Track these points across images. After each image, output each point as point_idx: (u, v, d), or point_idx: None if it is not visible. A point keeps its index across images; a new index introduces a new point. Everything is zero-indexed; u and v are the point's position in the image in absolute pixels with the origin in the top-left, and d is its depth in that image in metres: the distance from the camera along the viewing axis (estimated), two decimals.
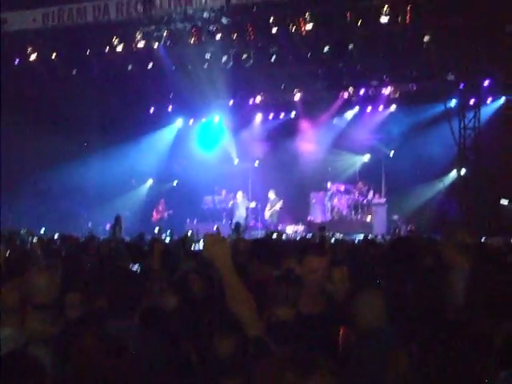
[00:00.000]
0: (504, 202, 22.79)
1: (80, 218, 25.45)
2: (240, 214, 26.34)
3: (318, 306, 5.51)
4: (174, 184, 29.65)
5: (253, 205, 26.86)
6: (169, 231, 21.62)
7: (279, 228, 25.79)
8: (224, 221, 26.97)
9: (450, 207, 23.68)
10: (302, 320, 5.23)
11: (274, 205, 26.56)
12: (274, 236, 17.29)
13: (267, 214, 26.63)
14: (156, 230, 22.68)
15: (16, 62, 24.90)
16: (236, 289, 4.42)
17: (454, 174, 24.31)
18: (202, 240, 4.10)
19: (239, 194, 26.87)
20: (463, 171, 22.83)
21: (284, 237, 20.27)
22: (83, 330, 4.76)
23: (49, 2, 23.21)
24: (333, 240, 16.95)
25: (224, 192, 28.27)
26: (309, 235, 21.49)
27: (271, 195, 26.70)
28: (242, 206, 26.63)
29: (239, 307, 4.43)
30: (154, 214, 27.77)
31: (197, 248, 3.94)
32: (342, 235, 21.59)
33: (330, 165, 27.60)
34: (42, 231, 17.18)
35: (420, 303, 5.70)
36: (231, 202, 27.37)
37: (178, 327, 5.44)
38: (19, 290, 5.14)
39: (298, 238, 19.16)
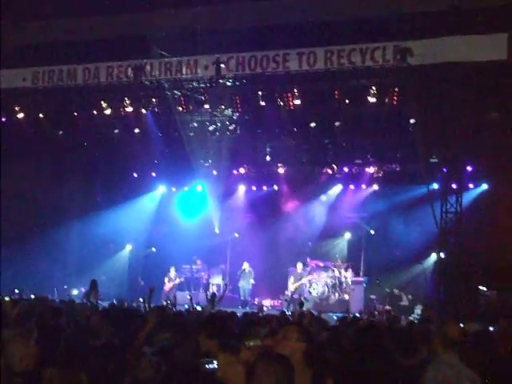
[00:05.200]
0: (483, 288, 22.74)
1: (56, 281, 25.02)
2: (245, 285, 26.07)
3: None
4: (153, 250, 29.27)
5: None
6: (141, 299, 20.51)
7: (255, 302, 25.52)
8: (201, 290, 26.68)
9: (429, 290, 23.60)
10: None
11: (300, 277, 25.90)
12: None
13: (292, 286, 25.68)
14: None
15: (3, 119, 24.89)
16: None
17: (433, 257, 24.30)
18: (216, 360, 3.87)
19: (245, 265, 26.36)
20: (442, 255, 22.80)
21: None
22: None
23: (39, 62, 23.29)
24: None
25: (199, 262, 27.99)
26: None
27: (299, 267, 26.02)
28: (248, 276, 26.23)
29: None
30: (166, 282, 26.61)
31: (211, 367, 3.74)
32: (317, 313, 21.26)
33: (310, 240, 27.50)
34: (16, 291, 16.79)
35: None
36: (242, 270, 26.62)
37: None
38: None
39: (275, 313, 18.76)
